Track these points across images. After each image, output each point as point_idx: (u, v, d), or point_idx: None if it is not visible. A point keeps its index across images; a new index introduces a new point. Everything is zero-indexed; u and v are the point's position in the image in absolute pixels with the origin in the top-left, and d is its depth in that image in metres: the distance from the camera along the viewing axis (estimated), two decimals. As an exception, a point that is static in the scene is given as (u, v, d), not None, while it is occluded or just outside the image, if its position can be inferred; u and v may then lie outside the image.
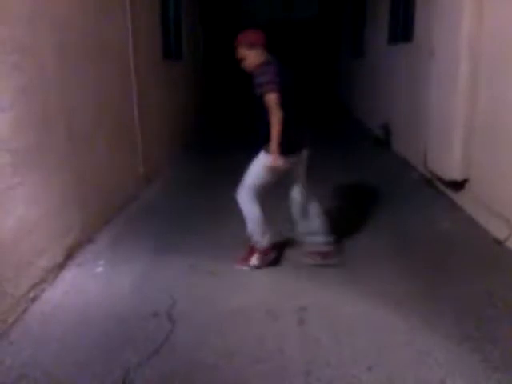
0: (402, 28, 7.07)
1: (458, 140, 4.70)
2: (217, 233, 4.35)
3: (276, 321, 2.99)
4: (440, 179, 5.22)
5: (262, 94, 3.23)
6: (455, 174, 4.78)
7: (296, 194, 3.60)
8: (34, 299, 3.19)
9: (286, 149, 3.27)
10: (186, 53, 8.22)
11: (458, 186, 4.84)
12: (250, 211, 3.55)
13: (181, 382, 2.47)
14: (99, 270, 3.69)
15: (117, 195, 4.83)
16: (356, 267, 3.69)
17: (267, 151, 3.32)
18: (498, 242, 3.97)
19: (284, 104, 3.21)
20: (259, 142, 3.42)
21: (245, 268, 3.65)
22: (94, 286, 3.47)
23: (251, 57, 3.37)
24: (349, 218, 4.63)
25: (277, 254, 3.80)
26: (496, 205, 4.13)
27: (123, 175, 5.09)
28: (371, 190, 5.52)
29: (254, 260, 3.65)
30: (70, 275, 3.58)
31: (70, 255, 3.76)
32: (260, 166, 3.40)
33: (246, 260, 3.68)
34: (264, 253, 3.66)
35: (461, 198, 4.87)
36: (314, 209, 3.62)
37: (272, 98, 3.19)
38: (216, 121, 11.05)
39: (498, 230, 4.05)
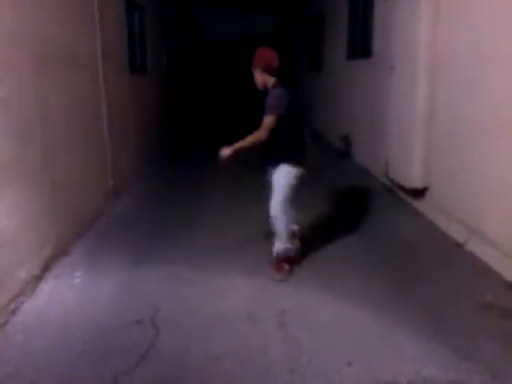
0: (361, 45, 7.41)
1: (417, 150, 5.00)
2: (190, 243, 4.43)
3: (258, 324, 3.11)
4: (401, 188, 5.51)
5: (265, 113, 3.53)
6: (416, 183, 5.07)
7: None
8: (14, 311, 3.18)
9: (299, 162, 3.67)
10: (151, 67, 8.30)
11: (419, 193, 5.14)
12: (285, 223, 3.72)
13: (170, 385, 2.55)
14: (77, 281, 3.71)
15: (89, 208, 4.84)
16: (329, 272, 3.86)
17: (285, 162, 3.63)
18: (458, 245, 4.25)
19: (290, 123, 3.60)
20: (271, 159, 3.72)
21: (282, 278, 3.73)
22: (73, 296, 3.48)
23: (259, 78, 3.69)
24: (316, 227, 4.81)
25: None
26: (455, 210, 4.42)
27: (94, 188, 5.10)
28: (335, 200, 5.74)
29: (286, 267, 3.79)
30: (48, 287, 3.58)
31: (47, 267, 3.75)
32: (283, 179, 3.63)
33: (282, 270, 3.78)
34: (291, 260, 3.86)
35: (422, 205, 5.16)
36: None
37: (268, 121, 3.49)
38: (182, 132, 11.11)
39: (458, 234, 4.33)
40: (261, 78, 3.67)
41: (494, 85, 3.79)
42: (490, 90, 3.83)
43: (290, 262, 3.83)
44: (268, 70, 3.63)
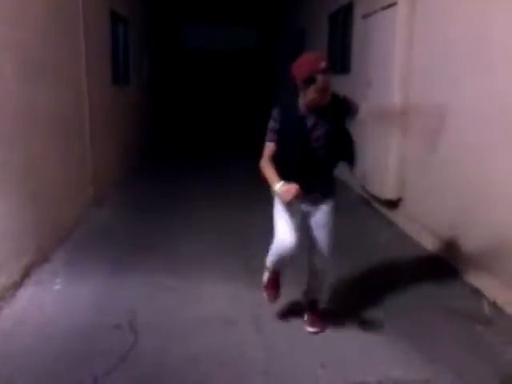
0: (340, 60, 7.63)
1: (392, 164, 5.19)
2: (170, 252, 4.50)
3: (234, 328, 3.20)
4: (376, 199, 5.68)
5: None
6: (390, 194, 5.25)
7: None
8: (-7, 316, 3.22)
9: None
10: (134, 78, 8.40)
11: (393, 204, 5.31)
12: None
13: (148, 387, 2.62)
14: (57, 287, 3.75)
15: (70, 216, 4.89)
16: (302, 279, 3.96)
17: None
18: (429, 253, 4.41)
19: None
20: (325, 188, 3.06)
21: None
22: (52, 302, 3.53)
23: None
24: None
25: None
26: (426, 220, 4.60)
27: (76, 197, 5.15)
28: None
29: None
30: (27, 293, 3.61)
31: (26, 274, 3.79)
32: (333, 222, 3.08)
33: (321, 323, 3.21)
34: None
35: (395, 215, 5.33)
36: None
37: None
38: (164, 143, 11.19)
39: (428, 243, 4.50)
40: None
41: (465, 99, 3.98)
42: (460, 104, 4.02)
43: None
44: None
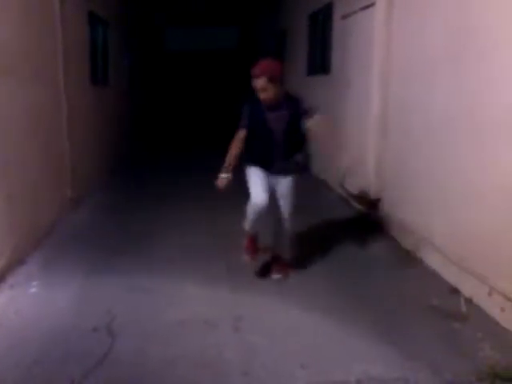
0: (320, 62, 7.67)
1: (371, 163, 5.22)
2: (146, 253, 4.47)
3: (214, 330, 3.18)
4: (356, 198, 5.71)
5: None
6: (370, 194, 5.28)
7: None
8: (-33, 321, 3.15)
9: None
10: (113, 79, 8.32)
11: (373, 204, 5.34)
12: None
13: (127, 390, 2.59)
14: (33, 290, 3.69)
15: (46, 219, 4.82)
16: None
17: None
18: (408, 253, 4.44)
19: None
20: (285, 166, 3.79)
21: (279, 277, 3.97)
22: (28, 305, 3.47)
23: (276, 90, 3.55)
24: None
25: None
26: (404, 220, 4.64)
27: (52, 199, 5.07)
28: (297, 209, 5.86)
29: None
30: (3, 296, 3.56)
31: (1, 277, 3.72)
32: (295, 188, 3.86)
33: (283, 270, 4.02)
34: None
35: (375, 215, 5.36)
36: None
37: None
38: (146, 143, 11.12)
39: (407, 242, 4.54)
40: (277, 91, 3.56)
41: (442, 99, 4.02)
42: (438, 104, 4.06)
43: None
44: (280, 81, 3.59)
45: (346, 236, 5.00)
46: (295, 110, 3.63)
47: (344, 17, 6.18)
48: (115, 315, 3.32)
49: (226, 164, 3.62)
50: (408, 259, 4.36)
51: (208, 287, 3.80)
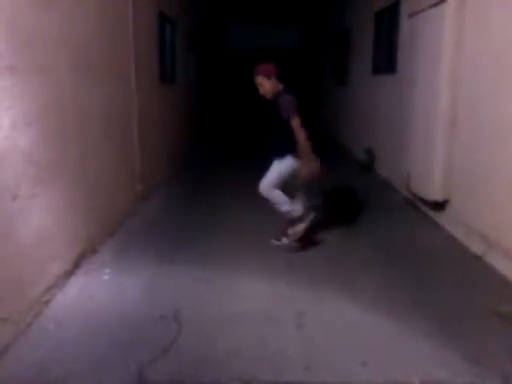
0: (386, 60, 7.54)
1: (438, 163, 5.09)
2: (214, 246, 4.60)
3: (276, 324, 3.23)
4: (422, 200, 5.58)
5: (288, 117, 4.13)
6: (437, 196, 5.15)
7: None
8: (47, 303, 3.38)
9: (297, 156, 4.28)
10: (179, 77, 8.57)
11: (439, 206, 5.20)
12: (276, 196, 4.35)
13: (191, 376, 2.69)
14: (106, 277, 3.90)
15: (117, 210, 5.06)
16: (348, 277, 3.97)
17: (290, 155, 4.24)
18: (477, 258, 4.30)
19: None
20: (279, 152, 4.30)
21: (280, 243, 4.46)
22: (101, 291, 3.68)
23: (270, 87, 4.26)
24: (339, 235, 4.94)
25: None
26: (474, 223, 4.49)
27: (124, 191, 5.33)
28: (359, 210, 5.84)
29: (291, 231, 4.45)
30: (78, 282, 3.78)
31: (77, 264, 3.96)
32: (283, 166, 4.28)
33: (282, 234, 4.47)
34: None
35: (442, 217, 5.22)
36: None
37: (297, 121, 4.12)
38: (208, 141, 11.36)
39: (476, 246, 4.39)
40: (271, 86, 4.24)
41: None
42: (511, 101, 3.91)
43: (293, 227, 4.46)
44: (277, 78, 4.25)
45: (411, 238, 4.91)
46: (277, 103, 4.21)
47: (411, 15, 6.04)
48: (181, 304, 3.44)
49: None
50: (476, 264, 4.22)
51: (270, 282, 3.86)
